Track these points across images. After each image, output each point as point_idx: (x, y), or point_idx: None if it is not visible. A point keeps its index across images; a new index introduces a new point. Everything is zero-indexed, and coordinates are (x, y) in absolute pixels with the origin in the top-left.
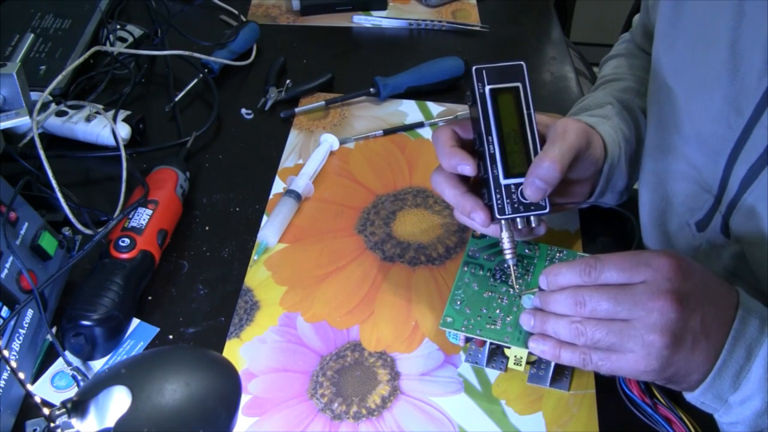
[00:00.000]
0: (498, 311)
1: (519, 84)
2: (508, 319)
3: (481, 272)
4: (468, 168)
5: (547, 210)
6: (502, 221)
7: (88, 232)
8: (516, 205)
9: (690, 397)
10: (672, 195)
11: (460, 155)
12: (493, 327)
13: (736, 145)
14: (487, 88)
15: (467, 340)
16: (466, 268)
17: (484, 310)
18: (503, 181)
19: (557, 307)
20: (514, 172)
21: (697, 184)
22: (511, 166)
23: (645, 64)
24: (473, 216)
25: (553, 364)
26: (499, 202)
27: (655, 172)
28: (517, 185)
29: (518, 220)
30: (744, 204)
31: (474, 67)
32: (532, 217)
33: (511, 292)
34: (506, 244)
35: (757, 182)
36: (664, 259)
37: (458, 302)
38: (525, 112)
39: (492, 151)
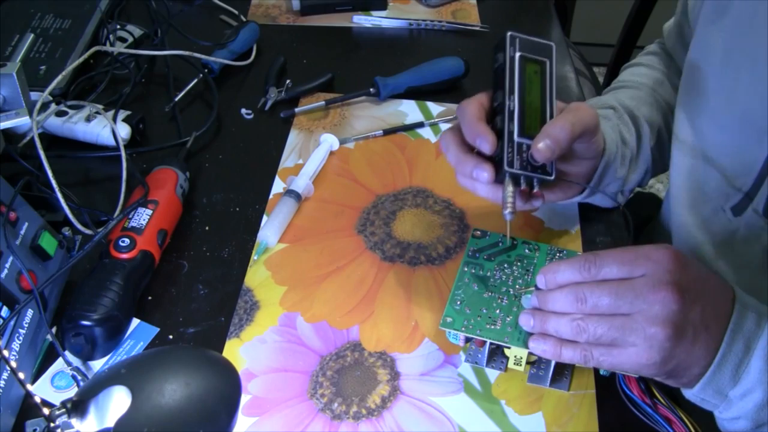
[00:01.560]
0: (498, 311)
1: (547, 60)
2: (508, 319)
3: (481, 272)
4: (486, 145)
5: (552, 177)
6: (507, 175)
7: (88, 232)
8: (524, 164)
9: (689, 394)
10: (704, 182)
11: (482, 129)
12: (493, 327)
13: None
14: (518, 54)
15: (467, 340)
16: (466, 268)
17: (484, 310)
18: (517, 138)
19: (557, 305)
20: (529, 133)
21: (734, 167)
22: (527, 126)
23: (662, 76)
24: (476, 173)
25: (553, 364)
26: (509, 155)
27: (687, 159)
28: (529, 146)
29: (522, 180)
30: None
31: (509, 33)
32: (535, 182)
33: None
34: (508, 198)
35: None
36: (663, 252)
37: (458, 302)
38: (548, 87)
39: (512, 108)
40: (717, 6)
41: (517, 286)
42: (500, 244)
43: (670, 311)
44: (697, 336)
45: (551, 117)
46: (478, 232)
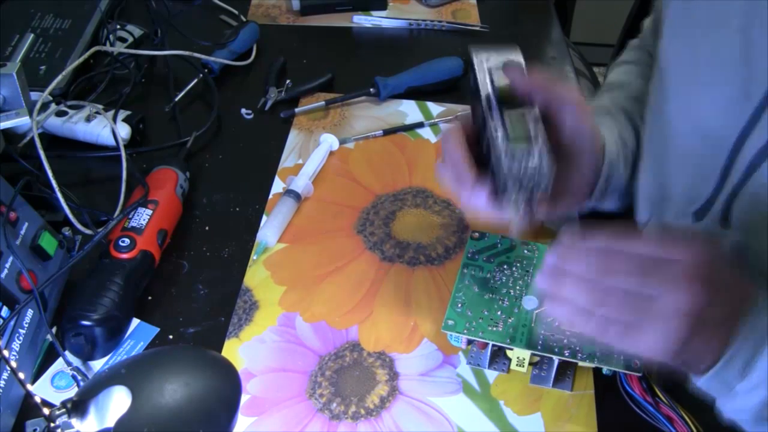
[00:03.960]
0: (499, 313)
1: (519, 65)
2: (510, 320)
3: (481, 274)
4: (468, 184)
5: (547, 189)
6: (506, 200)
7: (88, 232)
8: (517, 183)
9: (697, 381)
10: (670, 186)
11: (464, 168)
12: (494, 329)
13: (742, 131)
14: (488, 65)
15: (469, 342)
16: (465, 270)
17: (486, 312)
18: (505, 162)
19: (581, 267)
20: (517, 145)
21: (697, 173)
22: (513, 138)
23: (648, 70)
24: (473, 202)
25: (555, 365)
26: (503, 179)
27: (653, 163)
28: (521, 164)
29: (520, 200)
30: (747, 191)
31: (473, 48)
32: (533, 200)
33: (509, 293)
34: (515, 220)
35: (762, 168)
36: (698, 244)
37: (459, 305)
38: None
39: (495, 130)
40: (681, 12)
41: (518, 287)
42: (499, 246)
43: (696, 304)
44: (715, 330)
45: (535, 122)
46: (477, 234)
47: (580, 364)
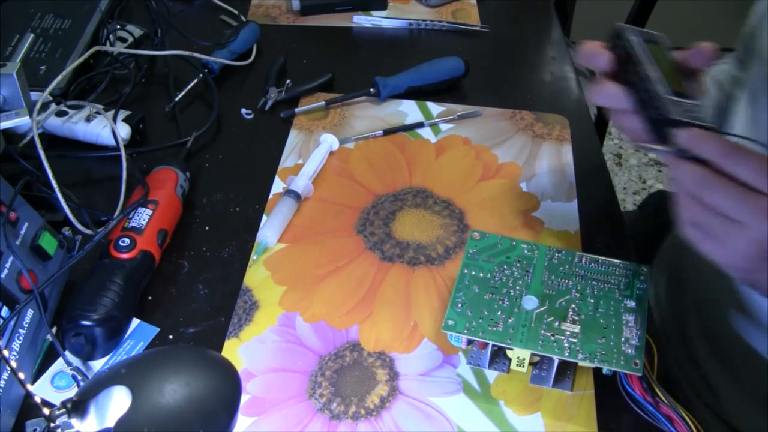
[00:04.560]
0: (499, 313)
1: (662, 43)
2: (510, 320)
3: (481, 274)
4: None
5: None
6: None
7: (88, 232)
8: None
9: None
10: None
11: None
12: (495, 329)
13: None
14: (640, 38)
15: (469, 342)
16: (466, 270)
17: (486, 312)
18: (666, 95)
19: (705, 151)
20: (678, 90)
21: None
22: (675, 87)
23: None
24: (630, 124)
25: (555, 365)
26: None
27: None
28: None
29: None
30: None
31: (620, 24)
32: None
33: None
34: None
35: None
36: None
37: (459, 305)
38: (672, 58)
39: (653, 77)
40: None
41: (518, 287)
42: (499, 246)
43: None
44: None
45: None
46: (477, 234)
47: (580, 364)
